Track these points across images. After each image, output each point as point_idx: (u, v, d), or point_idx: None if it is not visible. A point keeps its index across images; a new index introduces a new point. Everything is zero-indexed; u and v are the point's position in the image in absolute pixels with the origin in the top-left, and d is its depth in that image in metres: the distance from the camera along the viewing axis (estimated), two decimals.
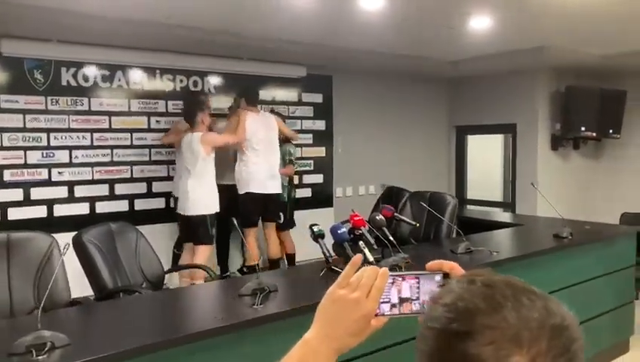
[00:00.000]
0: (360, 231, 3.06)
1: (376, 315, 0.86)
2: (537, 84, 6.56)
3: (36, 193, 4.64)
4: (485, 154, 8.16)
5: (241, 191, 4.87)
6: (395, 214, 3.52)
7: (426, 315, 0.70)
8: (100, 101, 4.94)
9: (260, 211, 4.98)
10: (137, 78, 5.14)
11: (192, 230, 4.50)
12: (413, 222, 3.47)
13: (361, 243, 2.98)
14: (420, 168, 7.15)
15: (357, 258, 0.91)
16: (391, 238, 3.17)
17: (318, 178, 6.40)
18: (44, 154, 4.67)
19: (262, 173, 4.85)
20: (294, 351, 0.85)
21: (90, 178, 4.90)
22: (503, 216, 5.84)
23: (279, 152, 5.09)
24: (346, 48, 5.38)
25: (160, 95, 5.23)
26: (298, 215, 5.97)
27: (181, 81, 5.37)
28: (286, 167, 5.35)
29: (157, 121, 5.11)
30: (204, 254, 4.44)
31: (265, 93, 5.92)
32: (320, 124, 6.37)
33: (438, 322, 0.65)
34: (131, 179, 5.12)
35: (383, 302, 0.87)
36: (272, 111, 5.47)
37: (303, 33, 4.81)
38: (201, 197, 4.51)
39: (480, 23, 4.51)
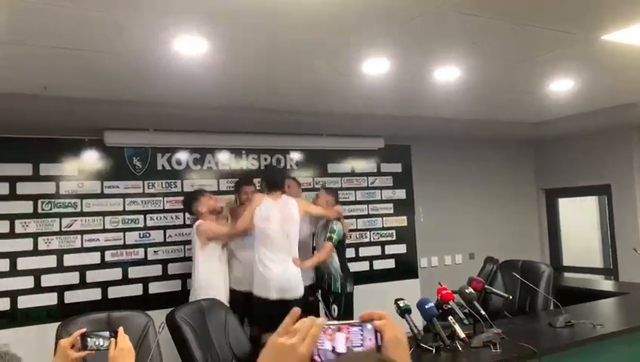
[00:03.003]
0: (449, 306, 2.96)
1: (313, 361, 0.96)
2: (631, 142, 6.22)
3: (133, 272, 4.91)
4: (580, 217, 7.69)
5: (254, 292, 4.18)
6: (486, 286, 3.38)
7: None
8: (192, 182, 5.25)
9: (278, 319, 4.18)
10: (225, 159, 5.44)
11: None
12: (506, 295, 3.30)
13: (450, 318, 2.87)
14: (509, 235, 6.85)
15: (295, 310, 1.01)
16: (482, 313, 3.04)
17: (401, 248, 6.30)
18: (141, 235, 4.98)
19: (276, 274, 4.12)
20: None
21: (183, 255, 5.12)
22: (605, 285, 5.41)
23: (296, 246, 4.32)
24: (422, 117, 5.43)
25: (246, 173, 5.47)
26: (381, 287, 5.87)
27: (265, 159, 5.62)
28: (323, 247, 4.48)
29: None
30: None
31: (343, 166, 6.04)
32: (400, 193, 6.35)
33: None
34: None
35: (321, 349, 0.96)
36: (323, 187, 5.17)
37: (378, 106, 4.92)
38: (197, 288, 4.23)
39: (561, 86, 4.42)
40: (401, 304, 2.91)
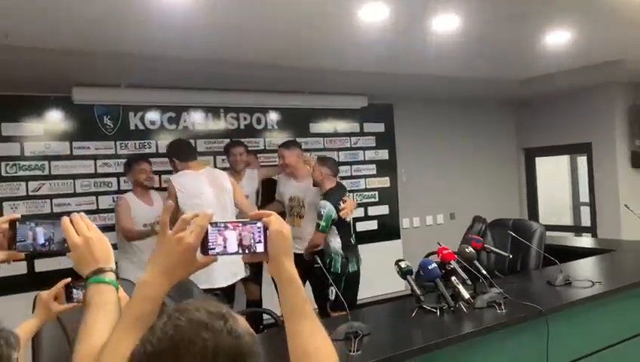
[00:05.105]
0: (451, 266, 2.84)
1: (206, 254, 1.03)
2: (613, 100, 6.20)
3: (108, 238, 4.61)
4: (555, 176, 7.75)
5: (201, 286, 3.11)
6: (485, 246, 3.28)
7: None
8: (167, 143, 4.94)
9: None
10: (202, 118, 5.15)
11: None
12: (506, 253, 3.21)
13: (454, 279, 2.76)
14: (490, 195, 6.84)
15: (169, 205, 1.10)
16: (484, 272, 2.94)
17: (383, 209, 6.20)
18: (115, 199, 4.69)
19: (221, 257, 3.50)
20: (135, 291, 1.01)
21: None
22: (588, 242, 5.43)
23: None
24: (406, 75, 5.23)
25: (224, 134, 5.21)
26: (364, 249, 5.73)
27: (245, 118, 5.36)
28: (313, 237, 3.98)
29: (222, 160, 5.06)
30: None
31: (326, 126, 5.84)
32: (383, 154, 6.21)
33: None
34: None
35: (212, 247, 1.03)
36: (318, 158, 4.40)
37: (362, 63, 4.69)
38: None
39: (554, 39, 4.28)
40: (403, 265, 2.78)
